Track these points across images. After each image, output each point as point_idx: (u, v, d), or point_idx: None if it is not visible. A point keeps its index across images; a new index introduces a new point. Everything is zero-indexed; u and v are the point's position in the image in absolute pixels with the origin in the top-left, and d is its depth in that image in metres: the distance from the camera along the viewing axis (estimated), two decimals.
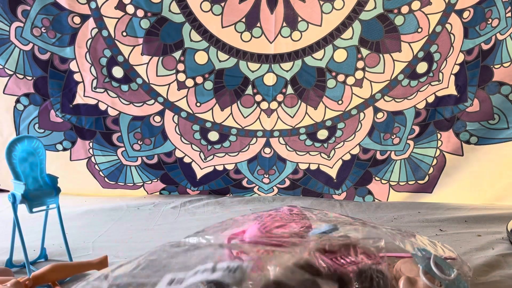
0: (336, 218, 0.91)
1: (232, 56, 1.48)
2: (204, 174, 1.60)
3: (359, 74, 1.47)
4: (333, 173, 1.57)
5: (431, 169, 1.52)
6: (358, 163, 1.55)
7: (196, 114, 1.53)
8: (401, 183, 1.55)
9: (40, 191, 0.91)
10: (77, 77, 1.49)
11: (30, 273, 0.86)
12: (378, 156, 1.54)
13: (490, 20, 1.38)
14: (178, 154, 1.57)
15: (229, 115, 1.53)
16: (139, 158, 1.57)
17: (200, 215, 1.39)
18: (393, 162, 1.54)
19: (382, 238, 0.76)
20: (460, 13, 1.39)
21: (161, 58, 1.47)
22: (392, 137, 1.52)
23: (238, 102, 1.52)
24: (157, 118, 1.54)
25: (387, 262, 0.75)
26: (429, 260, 0.73)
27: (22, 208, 0.90)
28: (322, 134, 1.53)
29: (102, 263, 0.88)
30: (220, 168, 1.59)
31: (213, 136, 1.56)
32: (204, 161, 1.58)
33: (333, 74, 1.47)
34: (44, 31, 1.44)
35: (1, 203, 1.41)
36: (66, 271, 0.86)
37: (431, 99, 1.47)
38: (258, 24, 1.45)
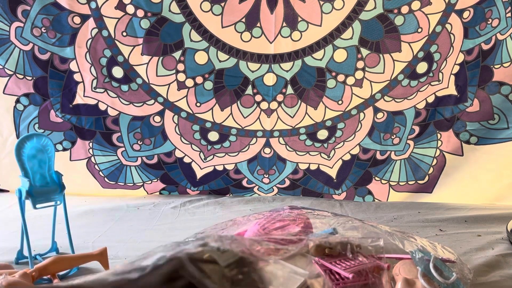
0: (337, 218, 0.91)
1: (232, 56, 1.48)
2: (204, 174, 1.60)
3: (359, 74, 1.47)
4: (333, 173, 1.57)
5: (431, 169, 1.52)
6: (358, 163, 1.55)
7: (196, 114, 1.53)
8: (401, 183, 1.55)
9: (46, 188, 0.94)
10: (77, 77, 1.49)
11: (32, 266, 0.88)
12: (378, 156, 1.54)
13: (490, 20, 1.38)
14: (178, 154, 1.57)
15: (229, 115, 1.53)
16: (139, 158, 1.58)
17: (200, 215, 1.39)
18: (393, 162, 1.54)
19: (381, 238, 0.76)
20: (460, 13, 1.39)
21: (161, 58, 1.47)
22: (392, 137, 1.52)
23: (238, 102, 1.52)
24: (157, 118, 1.54)
25: (387, 263, 0.75)
26: (428, 262, 0.73)
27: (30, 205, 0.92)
28: (322, 134, 1.53)
29: (102, 255, 0.90)
30: (220, 168, 1.59)
31: (213, 136, 1.56)
32: (204, 161, 1.58)
33: (333, 74, 1.47)
34: (44, 31, 1.44)
35: (1, 203, 1.41)
36: (68, 262, 0.89)
37: (431, 99, 1.47)
38: (258, 24, 1.45)
